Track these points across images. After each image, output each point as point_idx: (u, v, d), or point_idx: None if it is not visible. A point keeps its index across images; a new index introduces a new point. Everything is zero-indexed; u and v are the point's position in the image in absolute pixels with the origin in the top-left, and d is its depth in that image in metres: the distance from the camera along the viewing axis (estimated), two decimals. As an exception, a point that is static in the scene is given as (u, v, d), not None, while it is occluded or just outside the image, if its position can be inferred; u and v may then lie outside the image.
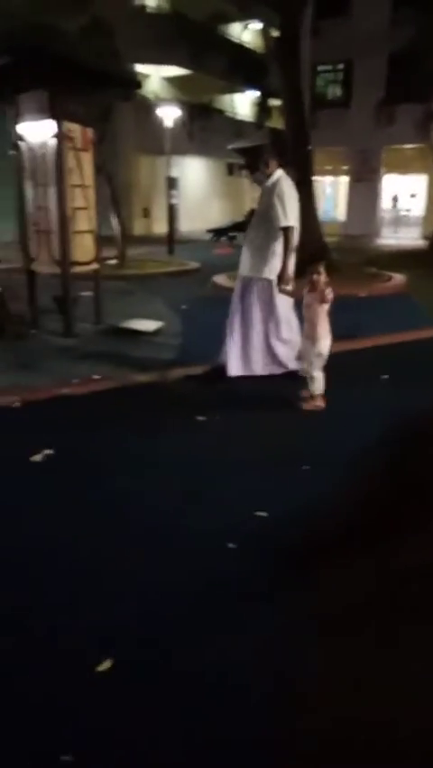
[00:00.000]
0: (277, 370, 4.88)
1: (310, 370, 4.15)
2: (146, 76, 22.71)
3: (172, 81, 26.17)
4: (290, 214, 4.49)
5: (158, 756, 1.61)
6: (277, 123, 22.27)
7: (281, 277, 4.59)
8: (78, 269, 6.47)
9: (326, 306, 4.05)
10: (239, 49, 26.37)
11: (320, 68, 24.65)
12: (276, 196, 4.50)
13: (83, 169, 6.30)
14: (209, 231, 21.07)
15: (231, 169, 31.06)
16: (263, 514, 2.76)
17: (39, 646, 1.98)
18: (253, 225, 4.79)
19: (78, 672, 1.88)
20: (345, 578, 2.34)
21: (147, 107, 20.94)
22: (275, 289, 4.64)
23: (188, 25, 22.04)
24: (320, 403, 4.17)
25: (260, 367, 4.87)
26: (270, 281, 4.65)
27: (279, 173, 4.64)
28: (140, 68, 22.13)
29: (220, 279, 10.54)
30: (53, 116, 5.85)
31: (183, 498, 2.96)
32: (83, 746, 1.62)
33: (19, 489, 3.06)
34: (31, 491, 3.05)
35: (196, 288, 10.20)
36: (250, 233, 4.81)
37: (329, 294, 4.00)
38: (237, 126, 26.45)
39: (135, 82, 7.50)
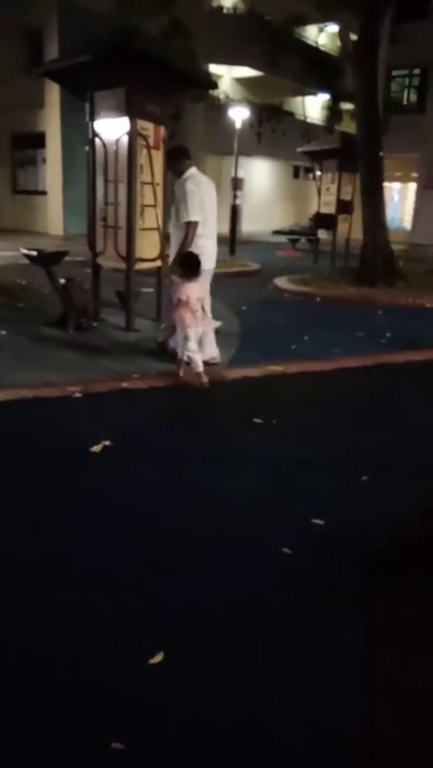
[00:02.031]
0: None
1: (180, 352, 4.80)
2: (218, 76, 22.81)
3: (243, 82, 26.21)
4: (191, 210, 4.88)
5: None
6: (348, 126, 21.97)
7: (173, 264, 4.97)
8: (142, 265, 6.55)
9: (181, 304, 4.65)
10: (314, 51, 26.15)
11: (395, 72, 24.23)
12: (181, 193, 4.96)
13: (154, 166, 6.37)
14: (275, 232, 21.00)
15: (297, 172, 30.88)
16: (319, 521, 2.73)
17: (108, 633, 2.02)
18: (173, 222, 5.22)
19: (138, 665, 1.90)
20: (404, 594, 2.29)
21: (216, 107, 21.05)
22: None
23: (263, 27, 22.02)
24: (203, 380, 4.69)
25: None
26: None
27: (190, 171, 5.10)
28: (213, 68, 22.26)
29: (281, 282, 10.50)
30: (129, 114, 5.94)
31: (241, 498, 2.96)
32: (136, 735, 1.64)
33: (77, 479, 3.11)
34: (88, 481, 3.10)
35: (256, 290, 10.20)
36: (176, 228, 5.19)
37: (180, 295, 4.65)
38: (307, 129, 26.25)
39: (213, 83, 7.53)
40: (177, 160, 5.21)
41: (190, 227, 4.90)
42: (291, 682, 1.86)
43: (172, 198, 6.71)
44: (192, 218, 4.87)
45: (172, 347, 5.17)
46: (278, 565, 2.44)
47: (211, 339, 5.20)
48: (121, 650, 1.95)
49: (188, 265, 4.74)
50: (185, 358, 4.77)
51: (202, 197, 4.98)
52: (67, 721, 1.69)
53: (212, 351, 5.21)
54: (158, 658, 1.90)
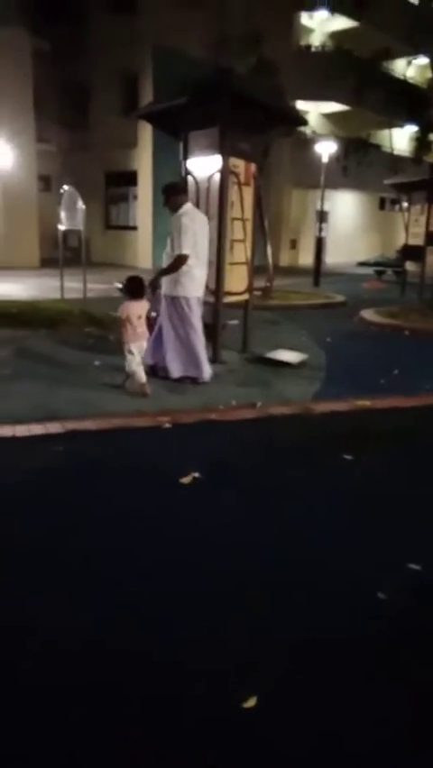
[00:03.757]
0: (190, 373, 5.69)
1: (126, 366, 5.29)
2: (305, 112, 23.14)
3: (330, 116, 26.46)
4: (184, 244, 5.28)
5: None
6: (436, 157, 21.63)
7: (150, 282, 5.49)
8: (230, 298, 6.65)
9: (123, 322, 5.23)
10: (401, 83, 26.05)
11: None
12: (177, 227, 5.33)
13: (244, 202, 6.50)
14: (360, 264, 20.82)
15: (383, 204, 30.60)
16: (416, 567, 2.62)
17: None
18: (168, 250, 5.58)
19: (228, 704, 1.88)
20: None
21: (303, 142, 21.30)
22: (187, 303, 5.49)
23: (351, 62, 22.19)
24: (146, 391, 5.19)
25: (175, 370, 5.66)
26: (186, 298, 5.49)
27: (185, 207, 5.46)
28: (300, 104, 22.61)
29: (368, 314, 10.35)
30: (222, 152, 6.11)
31: (332, 537, 2.90)
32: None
33: (169, 509, 3.15)
34: (179, 512, 3.13)
35: (341, 322, 10.10)
36: (168, 256, 5.58)
37: (121, 313, 5.24)
38: (394, 161, 26.03)
39: (304, 120, 7.64)
40: (173, 196, 5.54)
41: (180, 259, 5.32)
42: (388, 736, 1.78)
43: (259, 233, 6.82)
44: (184, 251, 5.30)
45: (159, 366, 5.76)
46: (372, 610, 2.35)
47: (203, 359, 5.66)
48: (214, 685, 1.93)
49: (132, 287, 5.33)
50: (128, 370, 5.27)
51: (196, 232, 5.39)
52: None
53: (206, 370, 5.70)
54: (251, 702, 1.87)
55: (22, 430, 4.14)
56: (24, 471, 3.54)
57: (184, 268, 5.40)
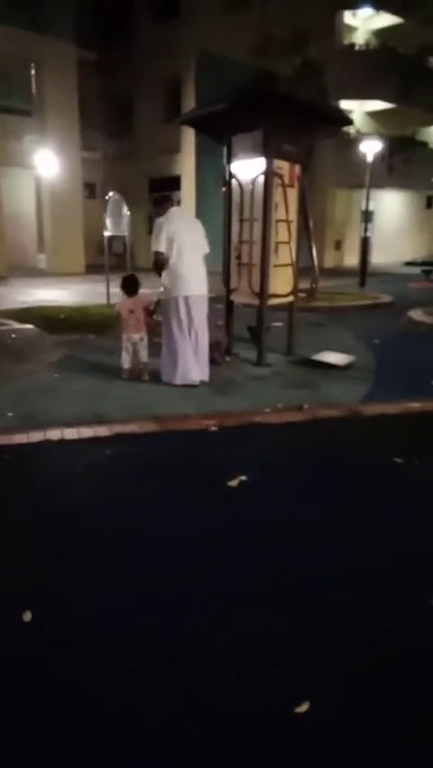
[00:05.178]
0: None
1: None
2: (349, 111, 22.91)
3: (374, 115, 26.09)
4: (153, 241, 5.46)
5: None
6: None
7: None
8: (275, 300, 6.61)
9: (118, 317, 5.96)
10: (448, 79, 25.51)
11: None
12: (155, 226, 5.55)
13: (288, 204, 6.47)
14: (407, 263, 20.45)
15: (430, 202, 30.01)
16: (472, 574, 2.54)
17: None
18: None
19: (279, 711, 1.85)
20: None
21: (347, 142, 21.08)
22: (175, 304, 5.54)
23: (396, 60, 21.86)
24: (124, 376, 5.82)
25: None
26: (173, 298, 5.55)
27: (171, 210, 5.59)
28: (344, 103, 22.40)
29: (416, 314, 10.14)
30: (266, 155, 6.09)
31: (383, 542, 2.84)
32: None
33: (218, 513, 3.14)
34: (229, 515, 3.11)
35: (389, 323, 9.92)
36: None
37: (116, 309, 6.03)
38: (441, 158, 25.54)
39: (348, 120, 7.55)
40: (159, 207, 5.73)
41: (155, 256, 5.47)
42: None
43: (303, 234, 6.77)
44: (153, 248, 5.47)
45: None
46: (425, 617, 2.29)
47: (185, 362, 5.58)
48: (265, 690, 1.91)
49: (124, 285, 5.96)
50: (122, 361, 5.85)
51: (175, 231, 5.44)
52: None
53: (203, 370, 5.73)
54: (304, 707, 1.84)
55: (71, 433, 4.21)
56: (73, 474, 3.59)
57: (167, 269, 5.48)
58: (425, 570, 2.63)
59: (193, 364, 5.60)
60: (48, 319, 9.01)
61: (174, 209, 5.67)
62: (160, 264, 5.48)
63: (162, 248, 5.42)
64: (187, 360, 5.57)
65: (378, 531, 2.96)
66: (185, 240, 5.49)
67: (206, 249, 5.70)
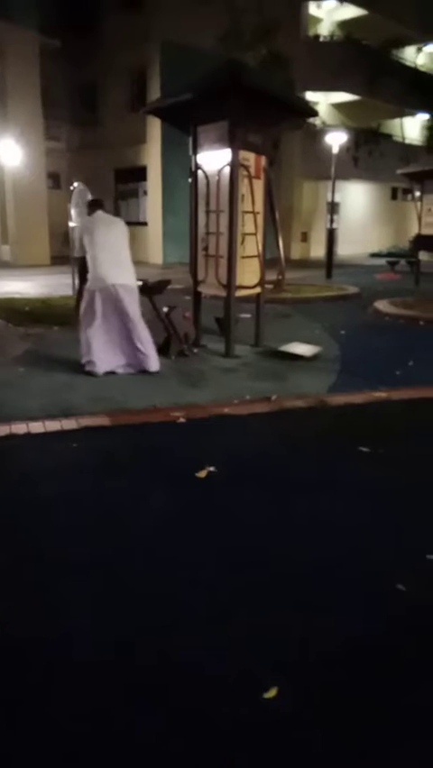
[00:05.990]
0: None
1: None
2: (315, 103, 22.98)
3: (340, 107, 26.25)
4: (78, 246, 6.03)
5: None
6: (449, 146, 21.40)
7: None
8: (242, 292, 6.62)
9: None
10: (413, 72, 25.82)
11: None
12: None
13: (254, 195, 6.47)
14: (373, 255, 20.69)
15: (395, 194, 30.36)
16: (434, 558, 2.61)
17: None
18: None
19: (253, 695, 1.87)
20: None
21: (312, 133, 21.16)
22: (90, 295, 5.78)
23: (361, 52, 22.01)
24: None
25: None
26: (88, 291, 5.83)
27: (96, 214, 5.97)
28: (310, 95, 22.47)
29: (382, 305, 10.27)
30: (231, 146, 6.08)
31: (349, 530, 2.88)
32: None
33: (185, 504, 3.15)
34: (196, 506, 3.12)
35: (355, 314, 10.04)
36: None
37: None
38: (406, 150, 25.82)
39: (314, 111, 7.56)
40: (90, 209, 6.17)
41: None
42: (420, 727, 1.77)
43: (270, 226, 6.79)
44: (75, 254, 6.17)
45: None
46: (393, 602, 2.34)
47: (92, 351, 5.72)
48: (236, 682, 1.93)
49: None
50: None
51: (92, 232, 5.81)
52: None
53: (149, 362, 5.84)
54: (272, 692, 1.87)
55: (37, 426, 4.16)
56: (41, 468, 3.55)
57: (90, 264, 5.79)
58: (389, 554, 2.68)
59: (103, 353, 5.76)
60: (12, 311, 8.87)
61: (98, 213, 6.01)
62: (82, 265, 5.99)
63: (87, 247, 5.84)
64: (96, 349, 5.73)
65: (343, 518, 3.01)
66: (104, 240, 5.79)
67: (125, 246, 5.94)
